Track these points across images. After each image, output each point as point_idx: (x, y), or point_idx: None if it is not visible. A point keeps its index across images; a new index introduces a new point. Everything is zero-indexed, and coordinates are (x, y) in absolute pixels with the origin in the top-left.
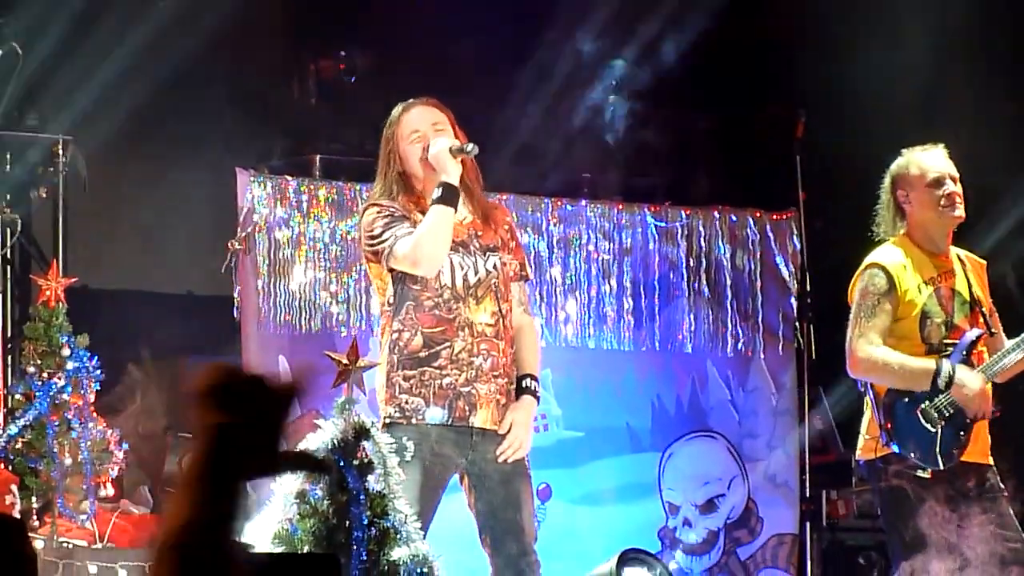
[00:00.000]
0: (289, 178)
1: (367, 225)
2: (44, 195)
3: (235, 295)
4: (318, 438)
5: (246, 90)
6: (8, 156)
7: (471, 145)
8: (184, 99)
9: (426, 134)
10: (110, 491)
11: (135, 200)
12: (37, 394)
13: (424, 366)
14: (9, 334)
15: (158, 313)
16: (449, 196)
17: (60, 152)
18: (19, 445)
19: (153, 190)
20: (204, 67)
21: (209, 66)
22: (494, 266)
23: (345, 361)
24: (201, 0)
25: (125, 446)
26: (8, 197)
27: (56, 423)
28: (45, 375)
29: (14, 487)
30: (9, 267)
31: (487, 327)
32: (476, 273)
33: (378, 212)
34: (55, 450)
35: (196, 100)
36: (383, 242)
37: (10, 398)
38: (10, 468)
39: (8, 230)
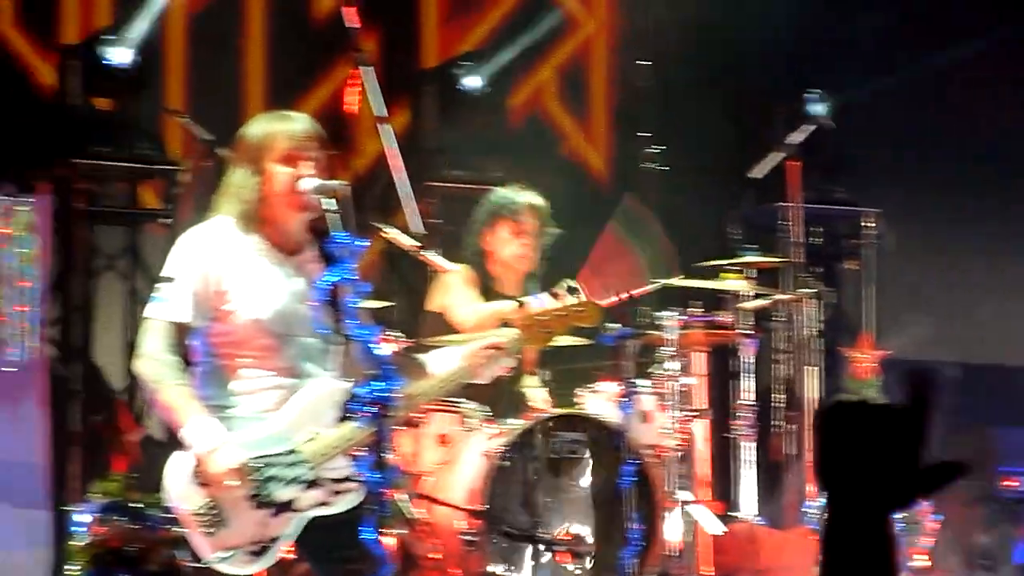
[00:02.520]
0: None
1: None
2: (854, 267)
3: None
4: None
5: None
6: (820, 229)
7: None
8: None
9: None
10: (924, 561)
11: (942, 269)
12: None
13: None
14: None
15: (965, 384)
16: None
17: (869, 224)
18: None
19: (959, 258)
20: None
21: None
22: None
23: None
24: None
25: (939, 516)
26: (818, 271)
27: None
28: None
29: None
30: (820, 340)
31: None
32: None
33: None
34: None
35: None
36: None
37: None
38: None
39: (822, 303)
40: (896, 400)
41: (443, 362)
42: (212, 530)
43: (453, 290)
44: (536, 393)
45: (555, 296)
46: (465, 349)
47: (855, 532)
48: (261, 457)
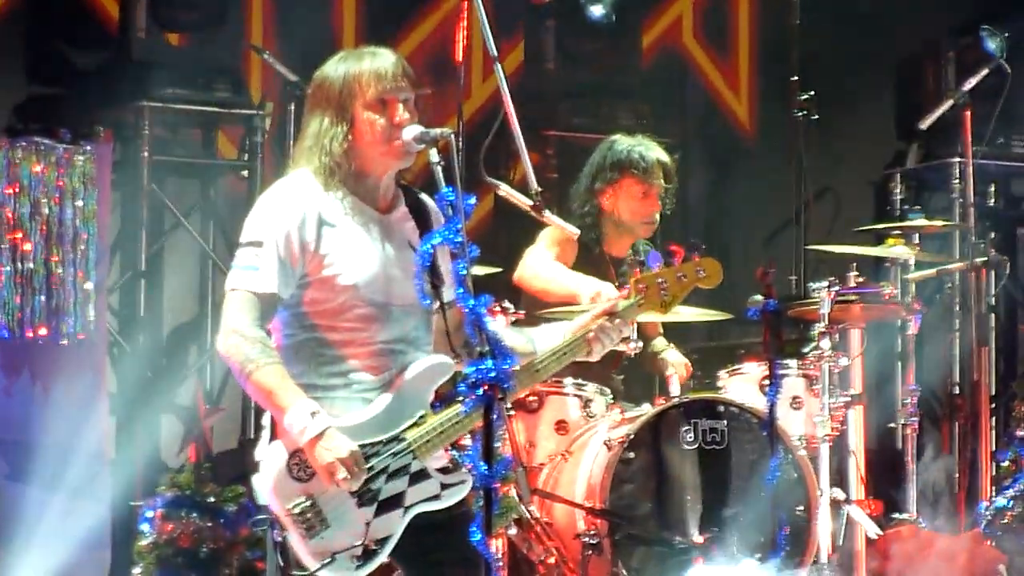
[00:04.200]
0: None
1: None
2: None
3: None
4: None
5: None
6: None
7: None
8: None
9: None
10: None
11: None
12: None
13: None
14: (993, 392)
15: None
16: None
17: None
18: (1006, 519)
19: None
20: None
21: None
22: None
23: None
24: None
25: None
26: (992, 236)
27: None
28: None
29: (1002, 567)
30: (993, 315)
31: None
32: None
33: None
34: None
35: None
36: None
37: (997, 466)
38: (996, 545)
39: (995, 273)
40: None
41: (548, 336)
42: (313, 532)
43: (535, 245)
44: (673, 356)
45: (672, 254)
46: (573, 323)
47: None
48: (364, 446)
